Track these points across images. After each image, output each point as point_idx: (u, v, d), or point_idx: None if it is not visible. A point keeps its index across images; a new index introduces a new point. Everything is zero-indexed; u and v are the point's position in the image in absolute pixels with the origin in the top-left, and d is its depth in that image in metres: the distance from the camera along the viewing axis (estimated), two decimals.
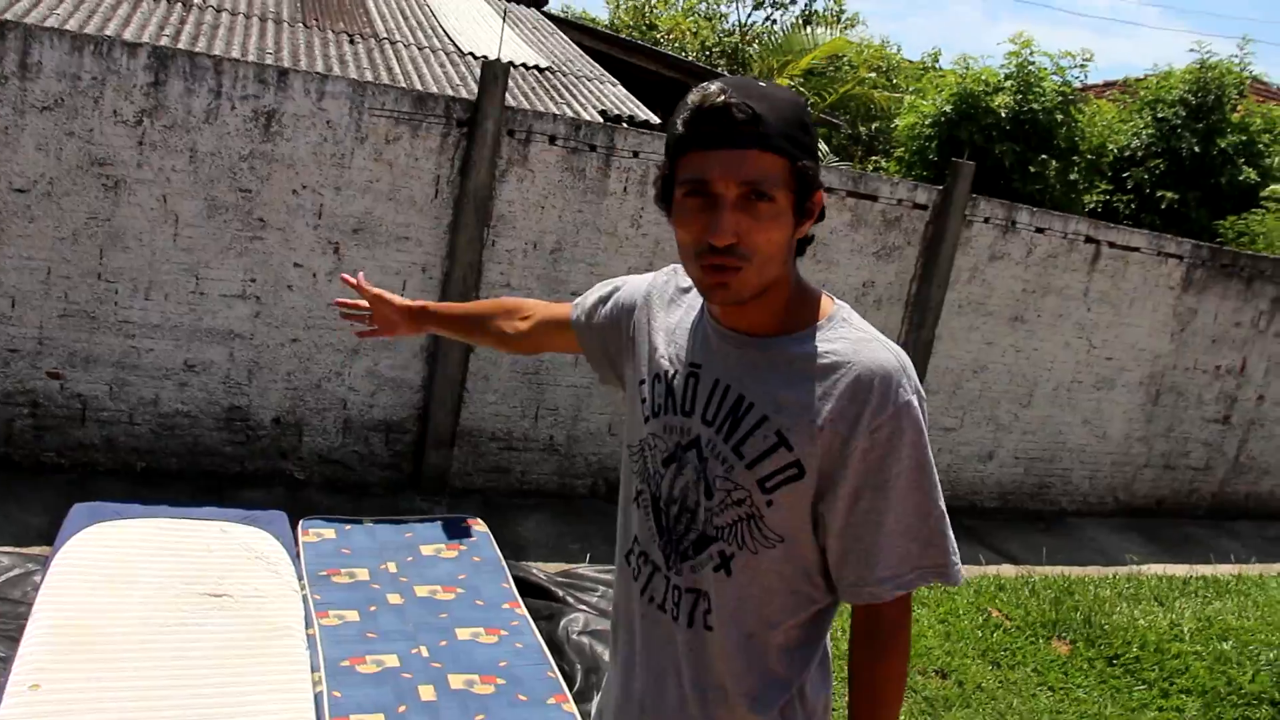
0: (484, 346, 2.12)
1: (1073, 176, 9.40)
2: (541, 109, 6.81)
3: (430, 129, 5.07)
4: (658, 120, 7.48)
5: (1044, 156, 9.15)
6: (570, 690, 3.72)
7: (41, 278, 4.69)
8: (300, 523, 4.43)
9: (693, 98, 1.38)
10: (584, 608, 4.35)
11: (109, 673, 3.12)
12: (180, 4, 7.31)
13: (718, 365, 1.50)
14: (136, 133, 4.64)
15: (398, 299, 2.13)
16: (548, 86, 7.72)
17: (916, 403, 1.41)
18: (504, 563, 4.48)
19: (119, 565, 3.65)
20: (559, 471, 5.75)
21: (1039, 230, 6.47)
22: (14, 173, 4.57)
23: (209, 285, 4.88)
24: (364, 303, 2.16)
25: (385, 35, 8.09)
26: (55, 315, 4.72)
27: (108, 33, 5.74)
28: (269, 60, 6.56)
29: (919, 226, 6.14)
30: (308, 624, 3.63)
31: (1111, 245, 6.70)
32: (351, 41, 7.64)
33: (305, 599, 3.80)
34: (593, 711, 1.82)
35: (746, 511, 1.46)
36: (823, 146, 10.62)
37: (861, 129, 14.94)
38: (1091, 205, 10.53)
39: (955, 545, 1.48)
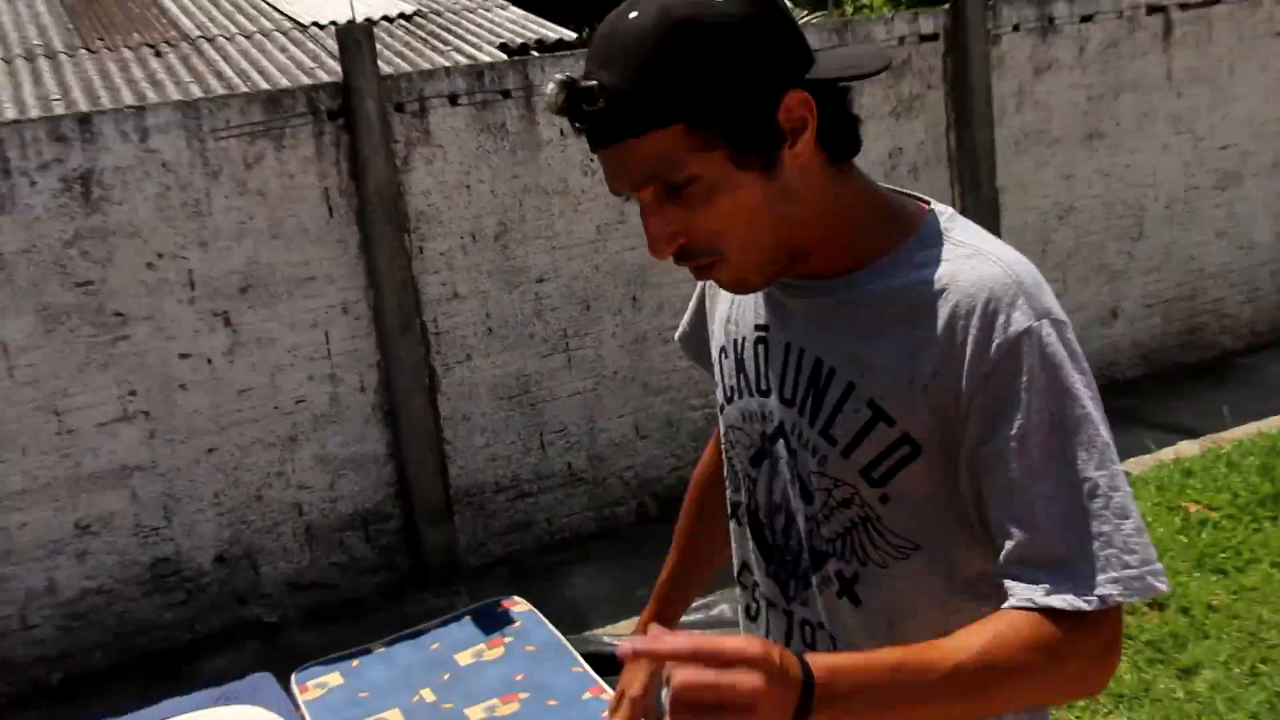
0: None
1: None
2: (427, 66, 6.65)
3: (297, 134, 4.90)
4: (573, 35, 7.33)
5: None
6: None
7: None
8: (293, 678, 4.20)
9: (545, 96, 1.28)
10: None
11: None
12: None
13: (786, 323, 1.40)
14: None
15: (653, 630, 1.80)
16: (425, 35, 7.60)
17: (1043, 329, 1.22)
18: (565, 641, 4.27)
19: None
20: (592, 503, 5.63)
21: (1085, 18, 6.35)
22: None
23: (75, 418, 4.68)
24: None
25: (199, 33, 7.89)
26: None
27: None
28: (59, 108, 6.32)
29: (935, 63, 6.04)
30: None
31: (1184, 6, 6.56)
32: (158, 54, 7.42)
33: None
34: None
35: (858, 514, 1.33)
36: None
37: None
38: None
39: (1141, 549, 1.18)
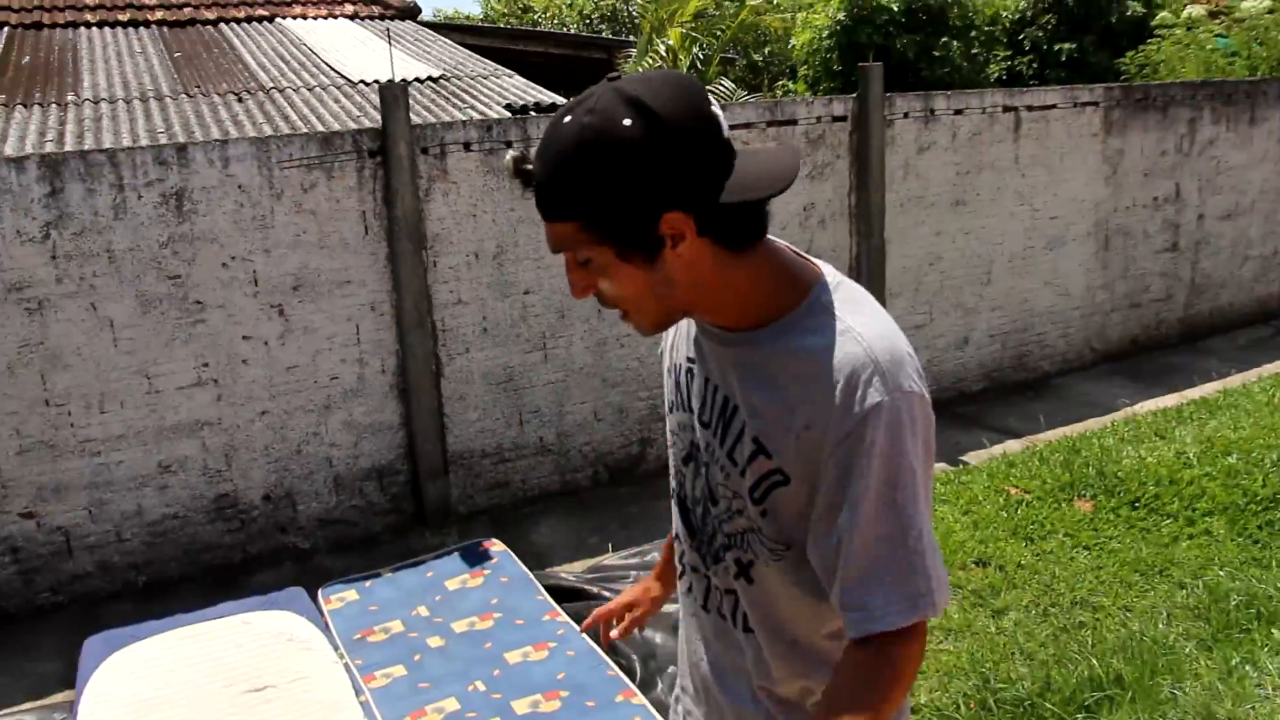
0: None
1: (974, 52, 9.33)
2: (448, 119, 6.59)
3: (344, 167, 4.86)
4: (562, 100, 7.29)
5: (944, 39, 9.03)
6: (634, 682, 3.58)
7: None
8: (320, 592, 4.26)
9: None
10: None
11: None
12: (55, 105, 6.98)
13: (707, 361, 1.37)
14: (46, 247, 4.38)
15: (648, 587, 1.87)
16: (447, 94, 7.52)
17: (892, 403, 1.20)
18: (531, 575, 4.33)
19: (149, 688, 3.45)
20: (557, 470, 5.60)
21: (958, 112, 6.37)
22: None
23: (162, 382, 4.65)
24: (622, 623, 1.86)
25: (272, 85, 7.80)
26: (12, 453, 4.46)
27: None
28: (163, 139, 6.28)
29: (843, 138, 6.02)
30: (358, 692, 3.47)
31: (1029, 109, 6.61)
32: (240, 100, 7.35)
33: (348, 667, 3.64)
34: (673, 695, 1.72)
35: (746, 524, 1.34)
36: (727, 84, 10.44)
37: (757, 57, 14.72)
38: (998, 75, 10.47)
39: (939, 573, 1.23)
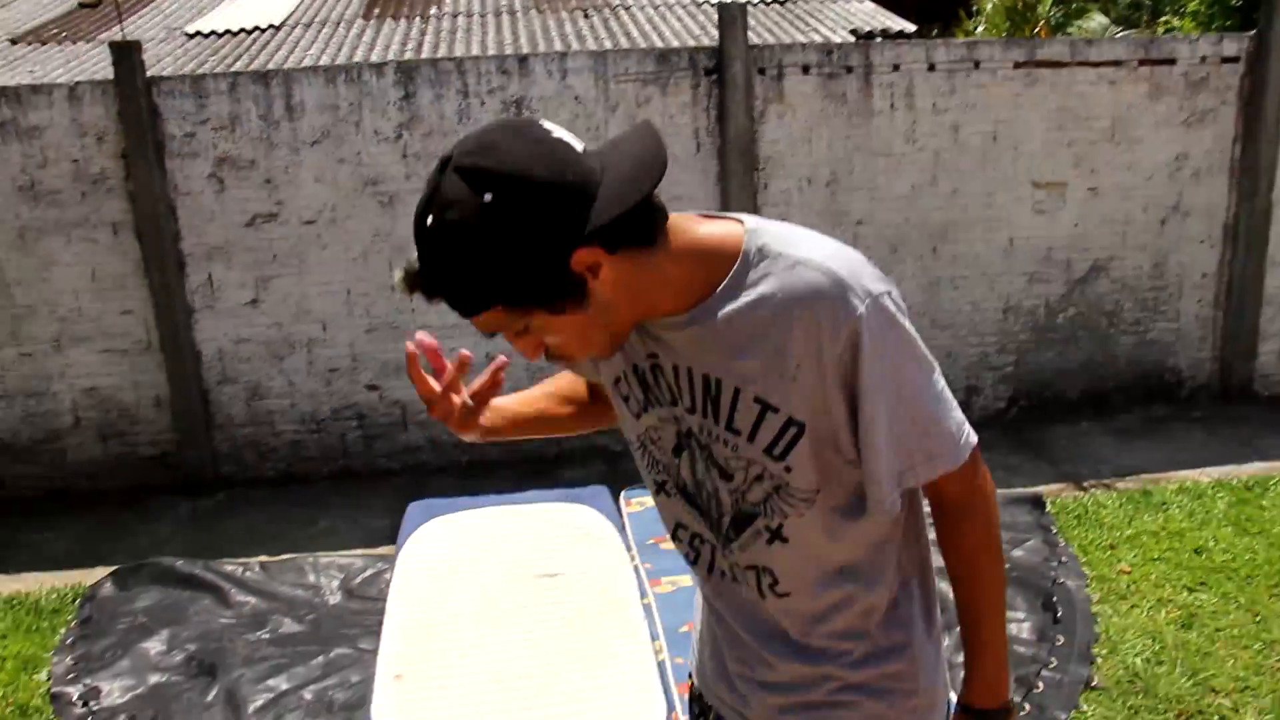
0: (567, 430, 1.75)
1: None
2: (788, 41, 6.51)
3: (679, 84, 4.93)
4: (913, 28, 7.04)
5: None
6: None
7: (343, 299, 4.90)
8: (623, 494, 4.40)
9: None
10: None
11: (459, 659, 3.19)
12: (418, 18, 7.53)
13: (669, 351, 1.35)
14: (398, 147, 4.75)
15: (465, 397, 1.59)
16: (791, 18, 7.44)
17: (869, 306, 1.23)
18: None
19: (455, 556, 3.73)
20: None
21: None
22: (301, 207, 4.80)
23: None
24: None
25: (617, 1, 8.03)
26: (362, 331, 4.92)
27: (356, 59, 5.95)
28: (509, 51, 6.63)
29: (1232, 82, 5.41)
30: (642, 594, 3.56)
31: None
32: (586, 16, 7.63)
33: (637, 569, 3.74)
34: (691, 665, 1.68)
35: (772, 484, 1.33)
36: (1100, 20, 9.62)
37: None
38: None
39: (958, 422, 1.31)
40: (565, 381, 1.72)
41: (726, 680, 1.54)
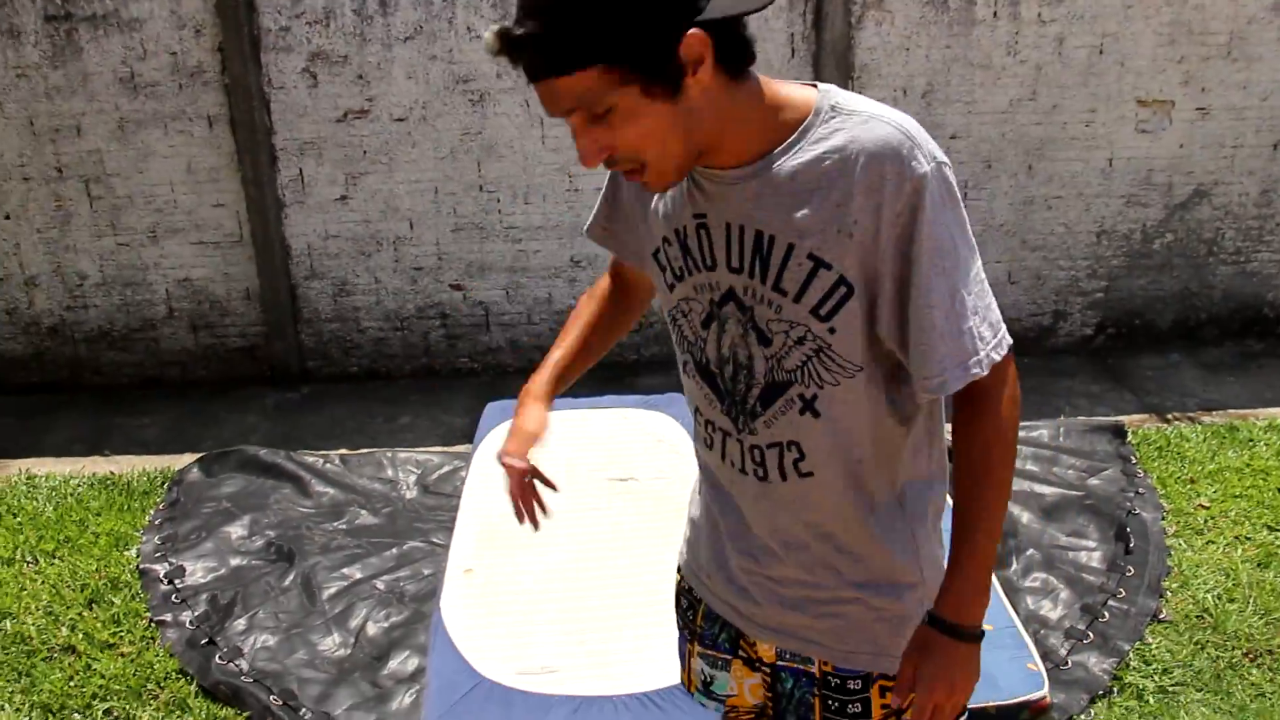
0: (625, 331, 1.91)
1: None
2: None
3: None
4: None
5: None
6: None
7: (431, 197, 4.96)
8: None
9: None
10: None
11: (527, 556, 3.31)
12: None
13: (721, 207, 1.36)
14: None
15: (542, 419, 1.77)
16: None
17: (933, 171, 1.26)
18: None
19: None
20: None
21: None
22: (392, 104, 4.83)
23: (581, 181, 4.96)
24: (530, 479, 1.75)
25: None
26: (448, 230, 4.99)
27: None
28: None
29: None
30: None
31: None
32: None
33: None
34: (681, 559, 1.77)
35: (813, 347, 1.35)
36: None
37: None
38: None
39: (990, 314, 1.33)
40: (594, 294, 1.83)
41: (725, 574, 1.58)
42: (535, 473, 1.69)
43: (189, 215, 5.01)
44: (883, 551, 1.45)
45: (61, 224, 4.99)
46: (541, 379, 1.73)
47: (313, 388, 5.21)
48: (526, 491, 1.68)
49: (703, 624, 1.68)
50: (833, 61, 4.86)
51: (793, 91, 1.34)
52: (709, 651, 1.68)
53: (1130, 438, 4.27)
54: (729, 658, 1.65)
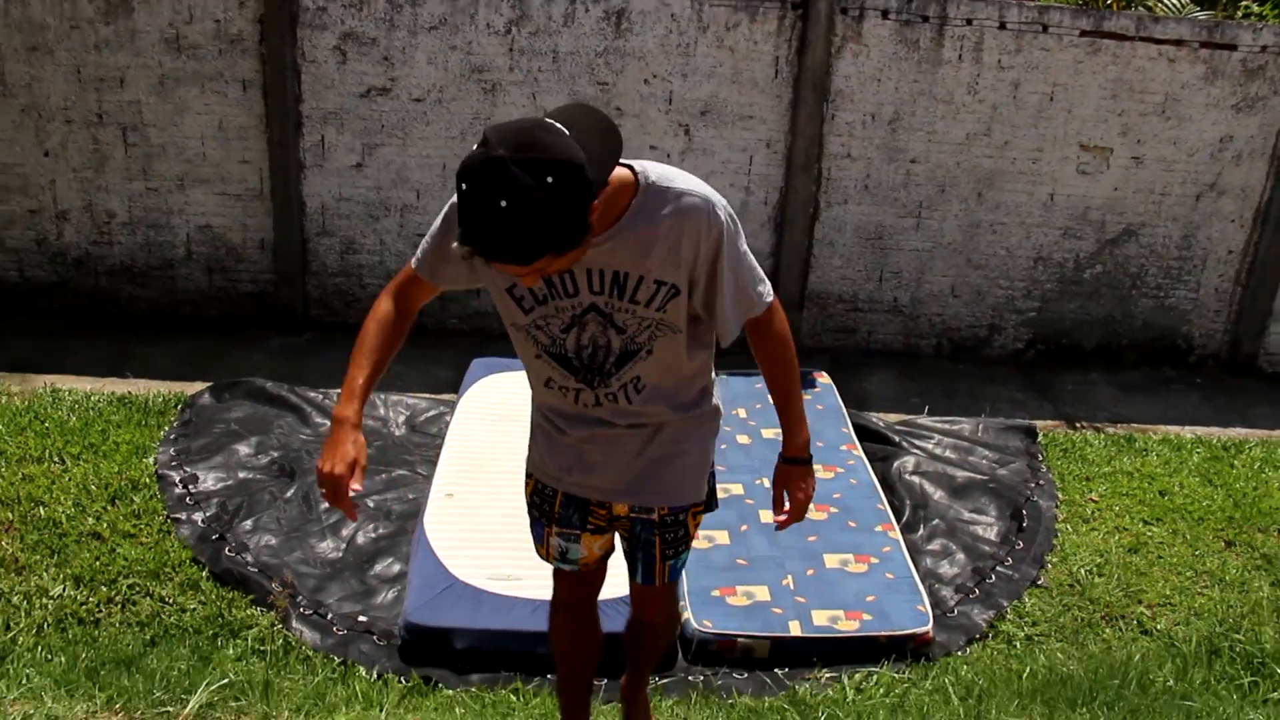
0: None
1: None
2: None
3: (767, 14, 5.31)
4: None
5: None
6: (898, 522, 3.99)
7: (438, 172, 5.44)
8: None
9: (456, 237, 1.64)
10: (918, 452, 4.57)
11: (501, 488, 3.79)
12: None
13: (581, 259, 1.83)
14: (507, 41, 5.22)
15: (358, 440, 2.04)
16: None
17: (724, 216, 1.88)
18: (845, 411, 4.79)
19: (507, 406, 4.32)
20: (903, 332, 5.96)
21: None
22: (412, 85, 5.31)
23: None
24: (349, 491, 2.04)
25: None
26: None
27: None
28: None
29: None
30: None
31: None
32: None
33: None
34: (532, 467, 2.29)
35: (654, 328, 1.96)
36: None
37: None
38: None
39: (766, 281, 2.04)
40: (381, 322, 2.18)
41: (583, 468, 2.14)
42: (350, 486, 1.99)
43: (216, 168, 5.47)
44: (697, 404, 2.14)
45: (97, 165, 5.44)
46: (353, 408, 2.00)
47: (315, 334, 5.67)
48: (345, 498, 1.99)
49: (559, 510, 2.24)
50: (811, 85, 5.36)
51: (619, 174, 1.82)
52: (564, 529, 2.26)
53: (1040, 439, 4.82)
54: (579, 532, 2.25)
